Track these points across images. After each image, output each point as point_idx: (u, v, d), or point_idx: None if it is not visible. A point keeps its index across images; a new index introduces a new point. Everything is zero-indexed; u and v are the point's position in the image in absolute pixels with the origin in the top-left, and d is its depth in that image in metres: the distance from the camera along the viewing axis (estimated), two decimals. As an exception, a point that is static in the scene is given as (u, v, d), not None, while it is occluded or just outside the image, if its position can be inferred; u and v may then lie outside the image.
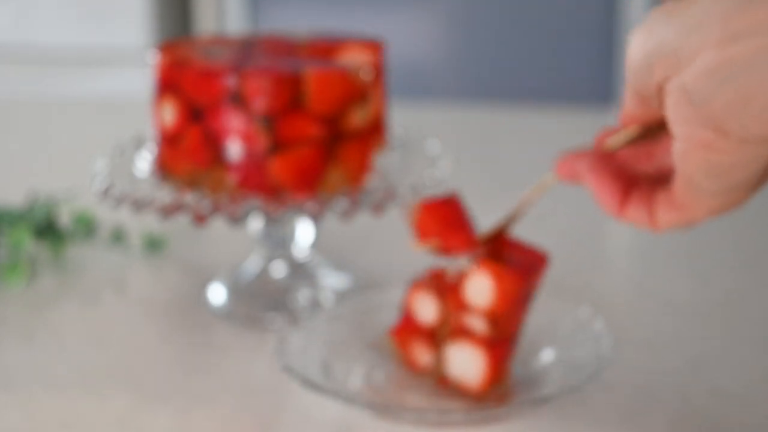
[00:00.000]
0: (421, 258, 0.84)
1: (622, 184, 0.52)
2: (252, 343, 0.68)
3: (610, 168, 0.52)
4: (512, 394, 0.60)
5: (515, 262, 0.60)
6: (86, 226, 0.85)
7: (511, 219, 0.59)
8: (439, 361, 0.61)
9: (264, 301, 0.73)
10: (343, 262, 0.83)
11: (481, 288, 0.58)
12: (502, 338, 0.59)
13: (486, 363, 0.58)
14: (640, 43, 0.45)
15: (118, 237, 0.84)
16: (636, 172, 0.54)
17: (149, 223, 0.90)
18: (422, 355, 0.61)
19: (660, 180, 0.53)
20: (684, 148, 0.45)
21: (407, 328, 0.62)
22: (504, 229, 0.60)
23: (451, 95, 2.20)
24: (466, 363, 0.59)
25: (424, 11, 2.21)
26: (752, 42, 0.40)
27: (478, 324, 0.58)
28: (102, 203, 0.80)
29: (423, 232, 0.59)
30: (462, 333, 0.59)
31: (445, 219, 0.58)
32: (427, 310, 0.61)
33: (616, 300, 0.75)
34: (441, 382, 0.61)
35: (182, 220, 0.68)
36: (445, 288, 0.60)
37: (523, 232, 0.89)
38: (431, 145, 0.80)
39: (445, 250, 0.58)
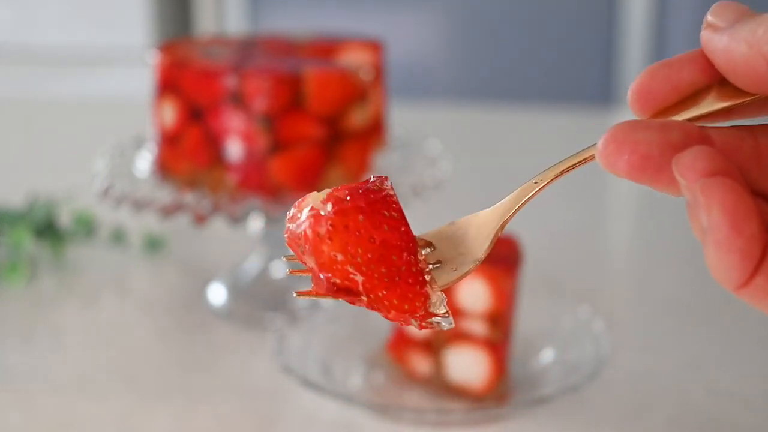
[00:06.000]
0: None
1: (764, 226, 0.29)
2: (252, 342, 0.68)
3: (744, 185, 0.29)
4: (512, 394, 0.60)
5: (496, 257, 0.59)
6: (86, 226, 0.85)
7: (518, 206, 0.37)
8: (438, 367, 0.61)
9: (264, 301, 0.73)
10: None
11: (475, 292, 0.58)
12: (502, 337, 0.59)
13: (490, 363, 0.58)
14: None
15: (118, 237, 0.84)
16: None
17: (149, 223, 0.90)
18: (420, 364, 0.61)
19: None
20: None
21: (402, 341, 0.62)
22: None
23: (451, 95, 2.20)
24: (469, 366, 0.59)
25: (424, 11, 2.21)
26: None
27: (477, 327, 0.58)
28: (102, 203, 0.80)
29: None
30: (461, 338, 0.59)
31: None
32: None
33: (616, 300, 0.75)
34: (442, 388, 0.61)
35: (182, 220, 0.68)
36: None
37: (521, 233, 0.89)
38: (431, 145, 0.80)
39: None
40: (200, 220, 0.67)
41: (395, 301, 0.32)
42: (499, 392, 0.60)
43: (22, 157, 1.18)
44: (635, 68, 2.12)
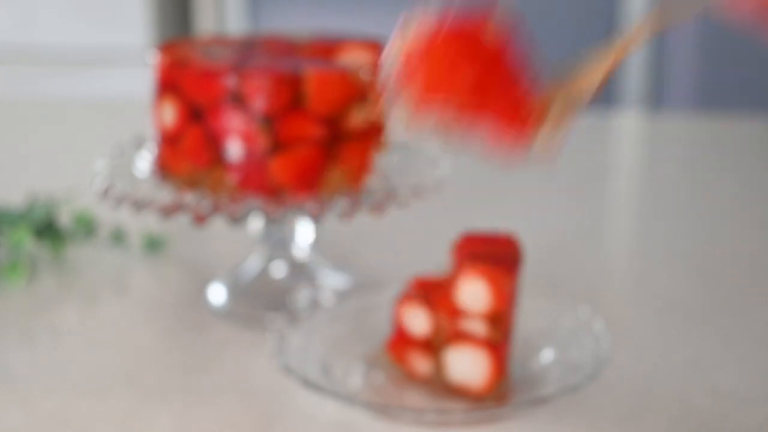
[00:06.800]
0: (422, 258, 0.84)
1: None
2: (252, 342, 0.68)
3: None
4: (512, 394, 0.60)
5: (496, 257, 0.59)
6: (86, 226, 0.85)
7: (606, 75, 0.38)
8: (438, 367, 0.61)
9: (264, 301, 0.73)
10: (343, 262, 0.83)
11: (475, 292, 0.58)
12: (502, 337, 0.59)
13: (491, 363, 0.58)
14: None
15: (118, 237, 0.84)
16: None
17: (149, 223, 0.90)
18: (420, 364, 0.61)
19: None
20: None
21: (402, 341, 0.62)
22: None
23: (451, 95, 2.20)
24: (469, 366, 0.59)
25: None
26: None
27: (477, 327, 0.58)
28: (102, 203, 0.80)
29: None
30: (461, 338, 0.59)
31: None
32: (418, 321, 0.61)
33: (616, 300, 0.75)
34: (442, 388, 0.61)
35: (182, 220, 0.68)
36: (434, 297, 0.60)
37: (522, 233, 0.89)
38: (431, 145, 0.80)
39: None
40: (200, 220, 0.67)
41: (499, 110, 0.31)
42: (499, 392, 0.60)
43: (22, 157, 1.18)
44: (635, 68, 2.12)
